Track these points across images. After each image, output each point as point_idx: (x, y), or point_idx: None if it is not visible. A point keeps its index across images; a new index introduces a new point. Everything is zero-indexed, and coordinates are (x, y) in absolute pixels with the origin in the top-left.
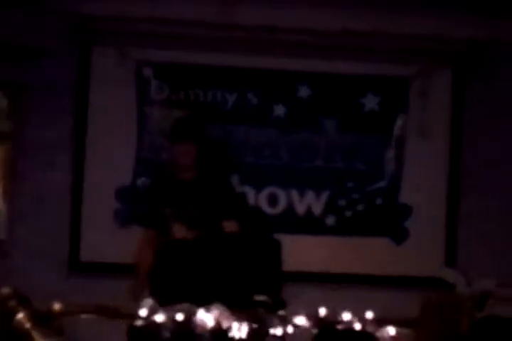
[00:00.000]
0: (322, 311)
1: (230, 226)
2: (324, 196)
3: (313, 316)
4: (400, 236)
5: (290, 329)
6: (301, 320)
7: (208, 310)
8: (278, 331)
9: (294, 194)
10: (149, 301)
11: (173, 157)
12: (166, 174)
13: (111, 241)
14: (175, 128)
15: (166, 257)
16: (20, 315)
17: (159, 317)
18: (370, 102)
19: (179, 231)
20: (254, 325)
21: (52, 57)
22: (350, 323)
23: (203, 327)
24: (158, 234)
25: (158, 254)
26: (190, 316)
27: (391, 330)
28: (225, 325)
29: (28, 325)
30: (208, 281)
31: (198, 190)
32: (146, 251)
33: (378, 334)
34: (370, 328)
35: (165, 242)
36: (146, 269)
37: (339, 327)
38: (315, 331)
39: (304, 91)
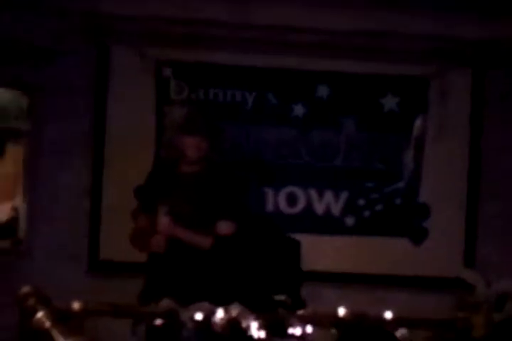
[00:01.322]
0: (341, 311)
1: (224, 226)
2: (343, 196)
3: (332, 316)
4: (418, 236)
5: (310, 329)
6: (320, 320)
7: (227, 310)
8: (297, 331)
9: (313, 194)
10: (168, 301)
11: (181, 149)
12: (166, 166)
13: None
14: (189, 120)
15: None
16: (39, 314)
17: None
18: (390, 102)
19: (163, 223)
20: (274, 325)
21: (71, 57)
22: (369, 323)
23: (222, 326)
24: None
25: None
26: (209, 315)
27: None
28: (244, 324)
29: (47, 324)
30: (227, 281)
31: (200, 183)
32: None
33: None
34: (389, 328)
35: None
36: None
37: (359, 327)
38: (334, 331)
39: (323, 91)
